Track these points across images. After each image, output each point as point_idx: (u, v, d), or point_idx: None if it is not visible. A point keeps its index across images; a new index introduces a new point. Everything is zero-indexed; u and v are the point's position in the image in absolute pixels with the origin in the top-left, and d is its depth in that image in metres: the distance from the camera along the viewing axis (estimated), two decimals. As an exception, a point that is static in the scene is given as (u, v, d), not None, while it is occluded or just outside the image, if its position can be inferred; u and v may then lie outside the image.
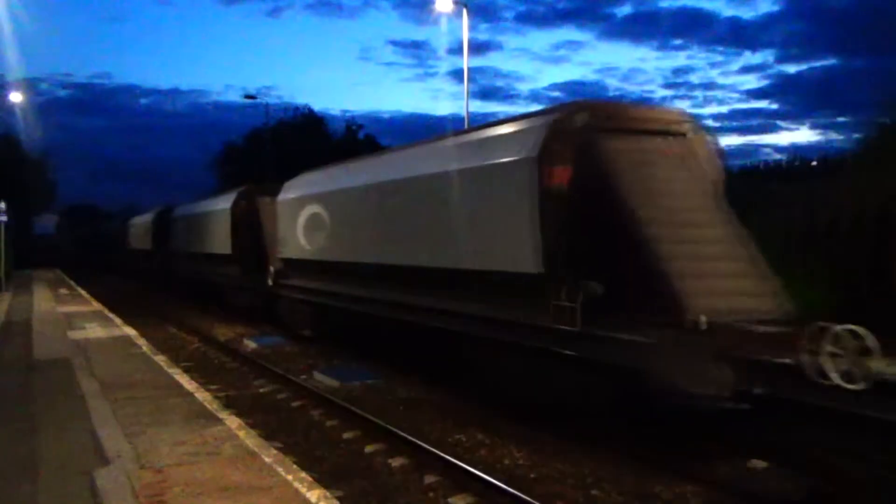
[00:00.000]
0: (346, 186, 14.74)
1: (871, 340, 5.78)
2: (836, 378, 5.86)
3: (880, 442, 5.89)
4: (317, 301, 15.94)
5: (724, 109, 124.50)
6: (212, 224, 24.02)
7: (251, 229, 20.97)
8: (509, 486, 6.99)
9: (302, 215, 16.48)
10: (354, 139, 56.95)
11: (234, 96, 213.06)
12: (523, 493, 6.80)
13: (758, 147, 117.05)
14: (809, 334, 6.08)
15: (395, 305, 12.39)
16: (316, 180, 16.91)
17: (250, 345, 16.99)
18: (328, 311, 15.63)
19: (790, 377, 6.21)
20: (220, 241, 22.75)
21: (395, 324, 12.54)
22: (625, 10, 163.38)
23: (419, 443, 8.47)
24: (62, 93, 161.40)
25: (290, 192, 17.93)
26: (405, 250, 12.16)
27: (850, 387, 5.81)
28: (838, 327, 5.99)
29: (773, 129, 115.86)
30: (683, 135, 9.35)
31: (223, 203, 23.07)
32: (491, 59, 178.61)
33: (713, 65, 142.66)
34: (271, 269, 18.55)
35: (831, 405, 5.97)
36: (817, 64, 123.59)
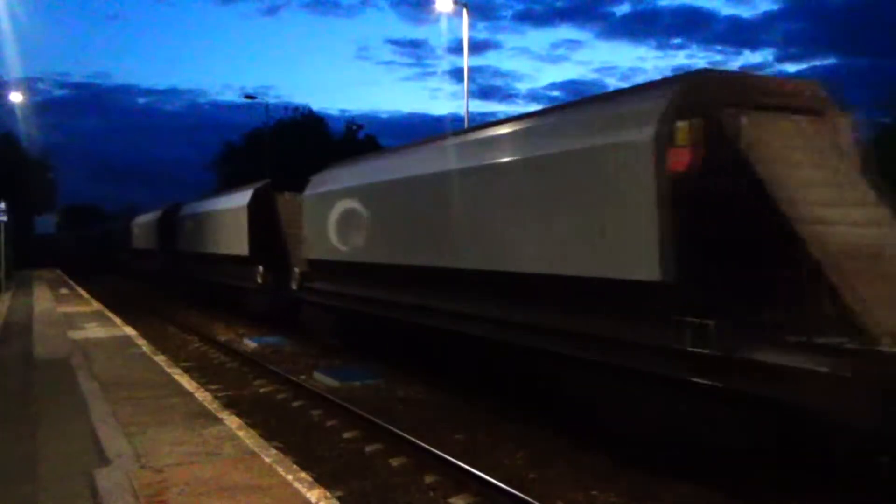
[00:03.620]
0: None
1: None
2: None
3: None
4: None
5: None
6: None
7: None
8: (509, 486, 6.98)
9: None
10: (355, 139, 57.04)
11: (232, 96, 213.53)
12: (523, 493, 6.80)
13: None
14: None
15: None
16: None
17: (250, 345, 16.98)
18: None
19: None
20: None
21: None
22: (623, 8, 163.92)
23: (419, 443, 8.46)
24: (59, 92, 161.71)
25: None
26: None
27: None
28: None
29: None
30: (822, 113, 7.78)
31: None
32: (489, 59, 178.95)
33: (713, 64, 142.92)
34: None
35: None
36: (817, 63, 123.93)
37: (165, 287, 32.11)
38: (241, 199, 20.70)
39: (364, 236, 13.37)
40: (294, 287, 16.55)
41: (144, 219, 37.52)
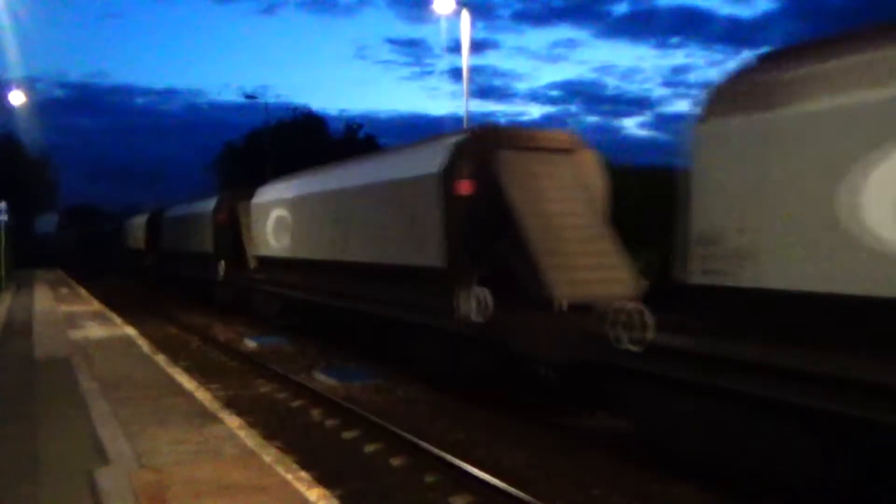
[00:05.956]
0: None
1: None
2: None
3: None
4: None
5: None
6: None
7: None
8: (509, 486, 6.99)
9: None
10: (354, 139, 57.14)
11: (231, 95, 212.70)
12: (523, 493, 6.80)
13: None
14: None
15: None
16: None
17: (250, 344, 16.99)
18: None
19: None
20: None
21: None
22: (621, 8, 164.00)
23: (419, 443, 8.47)
24: (58, 92, 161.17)
25: None
26: None
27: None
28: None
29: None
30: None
31: None
32: (488, 58, 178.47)
33: (712, 63, 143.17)
34: None
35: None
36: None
37: (235, 312, 21.73)
38: (422, 164, 11.75)
39: None
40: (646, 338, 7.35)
41: (189, 210, 26.72)
